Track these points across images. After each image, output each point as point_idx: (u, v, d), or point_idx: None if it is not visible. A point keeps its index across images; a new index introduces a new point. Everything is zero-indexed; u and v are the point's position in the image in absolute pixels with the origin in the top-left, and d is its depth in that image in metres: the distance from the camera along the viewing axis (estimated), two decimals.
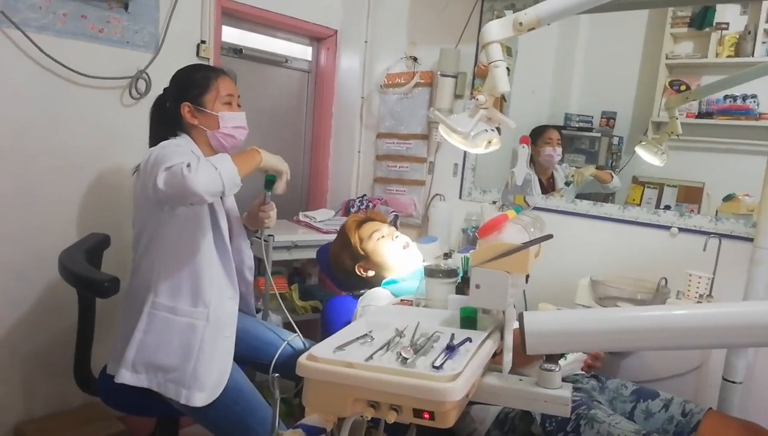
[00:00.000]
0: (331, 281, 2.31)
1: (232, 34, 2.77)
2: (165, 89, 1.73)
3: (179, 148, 1.52)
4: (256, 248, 1.92)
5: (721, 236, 1.83)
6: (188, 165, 1.34)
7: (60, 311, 2.13)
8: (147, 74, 2.29)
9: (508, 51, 2.53)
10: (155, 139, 1.61)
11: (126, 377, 1.54)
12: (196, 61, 2.43)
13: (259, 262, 2.60)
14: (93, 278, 1.54)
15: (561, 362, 1.03)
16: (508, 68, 1.27)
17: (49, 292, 2.14)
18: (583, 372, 1.59)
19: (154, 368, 1.54)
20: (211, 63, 2.48)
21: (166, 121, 1.67)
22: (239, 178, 1.42)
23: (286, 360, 1.77)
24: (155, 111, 1.73)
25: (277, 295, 1.88)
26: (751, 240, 1.75)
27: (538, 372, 1.03)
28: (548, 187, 2.73)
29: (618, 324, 0.94)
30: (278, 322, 2.32)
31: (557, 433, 1.33)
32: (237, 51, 2.80)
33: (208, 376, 1.53)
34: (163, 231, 1.56)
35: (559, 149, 2.77)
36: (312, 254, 2.50)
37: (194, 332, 1.54)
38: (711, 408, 1.49)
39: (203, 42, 2.46)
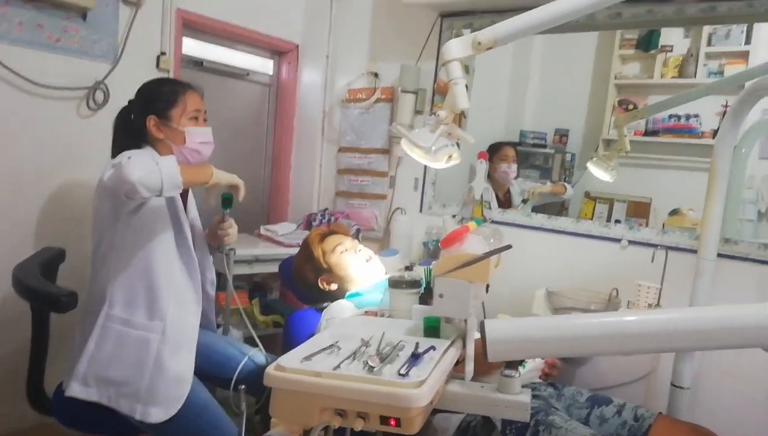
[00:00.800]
0: (293, 295, 2.31)
1: (192, 47, 2.75)
2: (130, 101, 1.71)
3: (138, 155, 1.52)
4: (217, 262, 1.91)
5: (668, 248, 1.92)
6: (129, 157, 1.36)
7: (11, 328, 2.05)
8: (105, 85, 2.26)
9: (466, 69, 2.61)
10: (119, 150, 1.60)
11: (75, 389, 1.50)
12: (155, 72, 2.41)
13: (219, 276, 2.58)
14: (50, 292, 1.50)
15: (520, 369, 1.07)
16: (466, 86, 1.32)
17: (0, 307, 2.07)
18: (540, 380, 1.64)
19: (106, 381, 1.51)
20: (171, 75, 2.46)
21: (130, 133, 1.66)
22: (180, 179, 1.41)
23: (247, 376, 1.75)
24: (120, 123, 1.70)
25: (241, 309, 1.87)
26: (695, 252, 1.85)
27: (498, 379, 1.07)
28: (504, 202, 2.81)
29: (574, 331, 0.98)
30: (239, 337, 2.30)
31: None
32: (198, 63, 2.79)
33: (164, 391, 1.50)
34: (120, 242, 1.54)
35: (515, 166, 2.85)
36: (273, 268, 2.50)
37: (148, 346, 1.52)
38: (661, 413, 1.56)
39: (163, 54, 2.44)
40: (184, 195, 1.70)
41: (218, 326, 2.02)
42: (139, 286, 1.54)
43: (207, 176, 1.55)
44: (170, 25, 2.47)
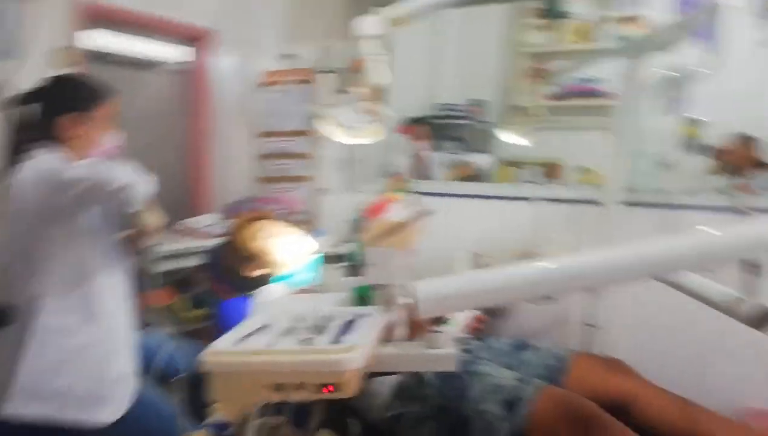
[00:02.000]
0: (222, 285, 2.29)
1: (98, 39, 2.62)
2: (34, 95, 1.61)
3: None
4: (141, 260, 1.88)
5: (578, 202, 2.05)
6: (106, 164, 1.40)
7: None
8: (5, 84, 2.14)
9: (384, 45, 2.64)
10: (19, 146, 1.52)
11: (15, 408, 1.44)
12: (60, 69, 2.30)
13: (144, 275, 2.51)
14: None
15: (444, 326, 1.14)
16: (384, 62, 1.36)
17: None
18: (469, 335, 1.74)
19: (50, 393, 1.45)
20: (78, 70, 2.36)
21: (34, 129, 1.58)
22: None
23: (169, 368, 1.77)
24: (21, 117, 1.61)
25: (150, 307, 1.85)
26: (602, 205, 2.00)
27: (427, 337, 1.14)
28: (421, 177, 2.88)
29: (495, 282, 1.04)
30: (166, 333, 2.28)
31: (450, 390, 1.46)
32: (104, 56, 2.67)
33: (111, 393, 1.48)
34: (52, 248, 1.49)
35: (425, 142, 2.93)
36: (200, 261, 2.46)
37: (90, 351, 1.49)
38: (577, 350, 1.70)
39: (67, 47, 2.33)
40: None
41: (146, 324, 1.99)
42: (74, 292, 1.50)
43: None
44: (71, 17, 2.35)
